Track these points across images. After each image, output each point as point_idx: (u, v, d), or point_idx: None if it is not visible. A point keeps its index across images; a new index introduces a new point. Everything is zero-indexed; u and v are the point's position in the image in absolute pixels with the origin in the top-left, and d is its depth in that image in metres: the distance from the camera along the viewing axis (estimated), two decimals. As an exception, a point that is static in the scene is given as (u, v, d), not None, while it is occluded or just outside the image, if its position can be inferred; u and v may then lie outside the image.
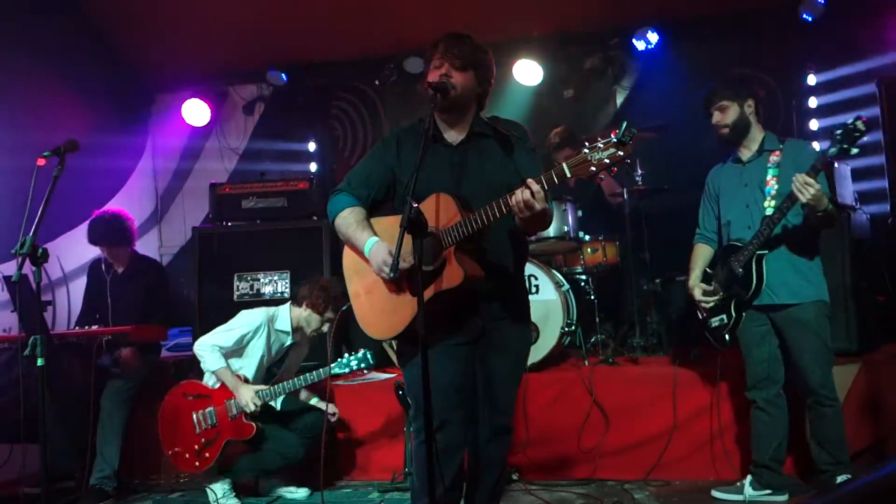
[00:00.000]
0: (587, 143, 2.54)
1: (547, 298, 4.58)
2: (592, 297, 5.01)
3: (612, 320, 5.37)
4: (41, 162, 3.47)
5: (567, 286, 4.84)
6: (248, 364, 4.23)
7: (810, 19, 5.40)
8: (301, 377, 4.12)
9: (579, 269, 5.09)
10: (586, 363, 4.58)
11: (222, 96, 6.82)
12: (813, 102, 5.65)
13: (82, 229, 5.04)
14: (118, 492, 4.48)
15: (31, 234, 3.28)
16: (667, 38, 5.74)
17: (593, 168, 2.53)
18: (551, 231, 4.78)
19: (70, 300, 5.57)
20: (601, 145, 2.51)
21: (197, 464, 4.13)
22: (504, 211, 2.66)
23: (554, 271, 4.85)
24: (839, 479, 3.44)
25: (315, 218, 5.27)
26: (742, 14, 5.71)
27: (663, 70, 5.87)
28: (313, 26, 6.16)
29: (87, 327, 4.66)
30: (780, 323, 3.56)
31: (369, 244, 2.89)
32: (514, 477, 4.17)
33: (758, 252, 3.49)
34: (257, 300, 5.13)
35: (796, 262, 3.52)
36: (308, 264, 5.18)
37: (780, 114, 5.75)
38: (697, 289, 3.72)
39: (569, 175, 2.57)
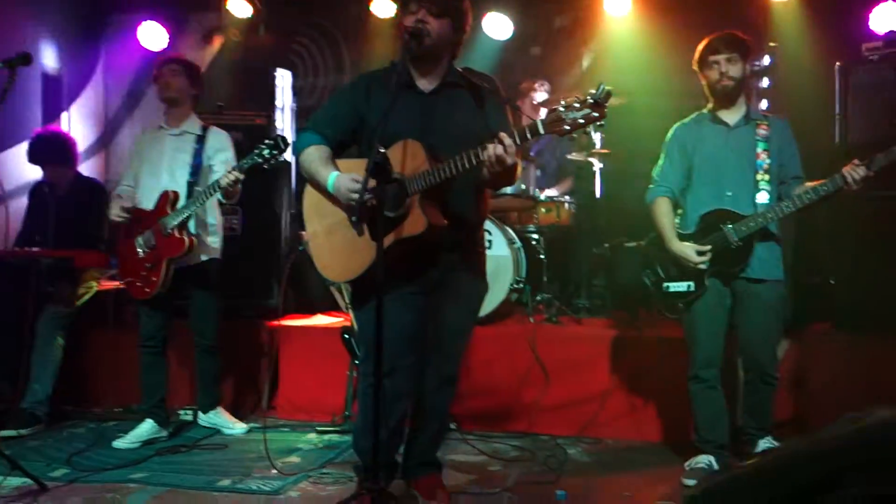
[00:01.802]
0: (563, 102, 2.54)
1: (499, 254, 4.62)
2: (542, 256, 5.08)
3: (559, 280, 5.45)
4: (-10, 73, 3.32)
5: (519, 243, 4.88)
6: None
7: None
8: (213, 183, 3.90)
9: (532, 228, 5.13)
10: (531, 320, 4.65)
11: (181, 22, 6.55)
12: (765, 82, 5.73)
13: (24, 148, 4.85)
14: (50, 417, 4.41)
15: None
16: (638, 5, 5.73)
17: (567, 126, 2.55)
18: (508, 188, 4.79)
19: (9, 220, 5.36)
20: (577, 104, 2.52)
21: (147, 290, 3.99)
22: (474, 163, 2.67)
23: (507, 227, 4.88)
24: (761, 442, 3.55)
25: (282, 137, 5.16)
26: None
27: (631, 38, 5.86)
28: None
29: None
30: (742, 297, 3.49)
31: (332, 177, 2.87)
32: (453, 426, 4.24)
33: (760, 228, 3.39)
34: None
35: (771, 239, 3.50)
36: (262, 202, 5.11)
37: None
38: (690, 248, 3.46)
39: (542, 132, 2.59)
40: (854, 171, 3.20)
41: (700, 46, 3.58)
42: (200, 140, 4.17)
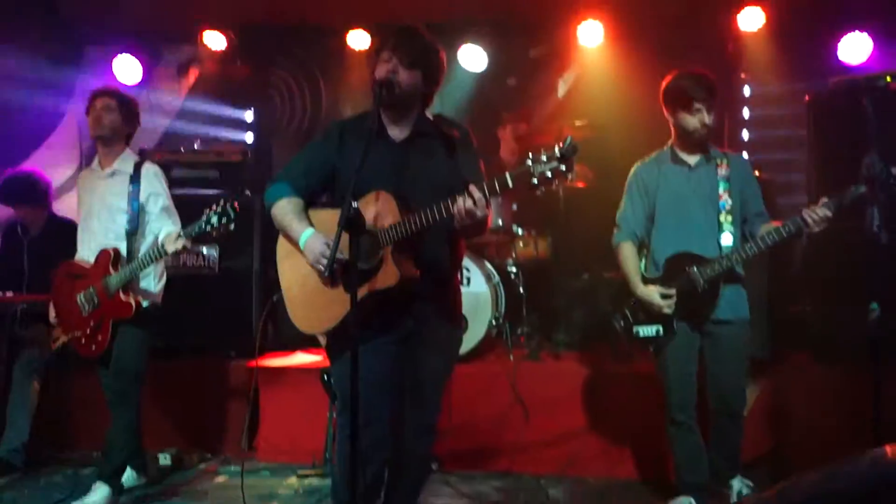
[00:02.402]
0: (531, 155, 2.55)
1: (477, 291, 4.62)
2: (521, 290, 5.08)
3: (539, 313, 5.45)
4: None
5: (497, 278, 4.89)
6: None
7: (747, 29, 5.55)
8: (160, 248, 3.64)
9: (511, 262, 5.14)
10: (511, 358, 4.65)
11: (156, 55, 6.53)
12: (746, 113, 5.81)
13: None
14: (27, 465, 4.34)
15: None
16: (611, 35, 5.79)
17: (535, 179, 2.54)
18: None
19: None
20: (544, 158, 2.52)
21: (93, 347, 3.76)
22: (444, 215, 2.66)
23: (486, 262, 4.89)
24: (733, 482, 3.57)
25: (248, 192, 5.17)
26: (683, 17, 5.80)
27: (606, 67, 5.91)
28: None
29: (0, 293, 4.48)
30: (711, 338, 3.47)
31: (305, 235, 2.87)
32: (434, 467, 4.22)
33: (726, 271, 3.37)
34: (183, 273, 5.00)
35: (737, 280, 3.49)
36: (237, 239, 5.01)
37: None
38: (655, 293, 3.46)
39: (511, 186, 2.59)
40: (813, 213, 3.17)
41: (671, 85, 3.51)
42: (134, 180, 3.87)
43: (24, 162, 5.92)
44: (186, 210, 4.63)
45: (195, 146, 5.34)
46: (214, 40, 6.31)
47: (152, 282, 3.91)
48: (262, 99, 6.55)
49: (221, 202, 3.50)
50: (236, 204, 3.49)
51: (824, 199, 3.18)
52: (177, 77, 6.63)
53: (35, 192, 4.75)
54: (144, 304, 3.81)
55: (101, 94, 3.95)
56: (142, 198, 3.85)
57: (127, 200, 3.84)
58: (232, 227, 3.51)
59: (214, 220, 3.49)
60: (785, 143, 4.88)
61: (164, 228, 3.84)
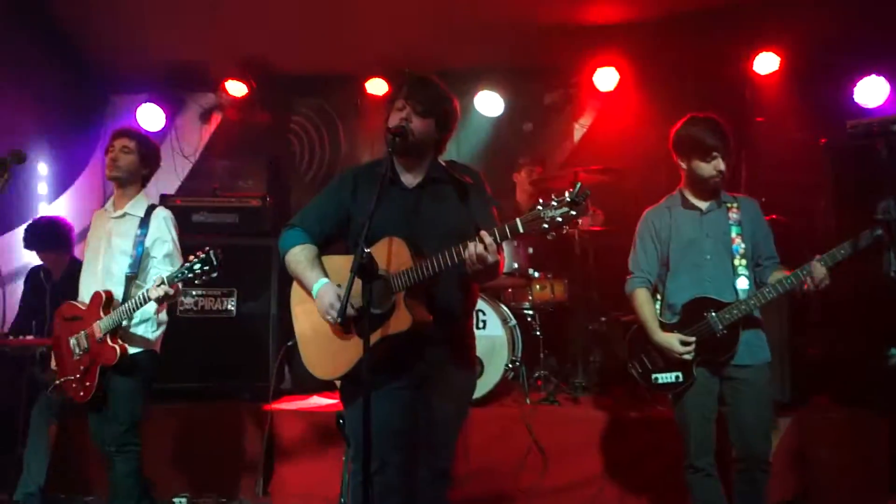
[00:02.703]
0: (541, 201, 2.57)
1: (493, 334, 4.61)
2: (538, 333, 5.06)
3: (556, 356, 5.42)
4: (-15, 170, 3.37)
5: (514, 321, 4.88)
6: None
7: (763, 73, 5.59)
8: (144, 294, 3.52)
9: (527, 305, 5.13)
10: (528, 401, 4.61)
11: (179, 103, 6.70)
12: (763, 157, 5.80)
13: (20, 232, 4.91)
14: (42, 509, 4.35)
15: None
16: (626, 81, 5.85)
17: (546, 225, 2.56)
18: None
19: (5, 305, 5.37)
20: (555, 203, 2.54)
21: (81, 393, 3.63)
22: (456, 260, 2.68)
23: (502, 306, 4.89)
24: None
25: (266, 237, 5.23)
26: (699, 62, 5.84)
27: (621, 112, 5.97)
28: (276, 38, 6.10)
29: (22, 336, 4.54)
30: (731, 383, 3.41)
31: (318, 285, 2.89)
32: (450, 513, 4.17)
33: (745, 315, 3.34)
34: (201, 316, 5.05)
35: (756, 324, 3.44)
36: (256, 284, 5.14)
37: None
38: (675, 340, 3.40)
39: (521, 231, 2.61)
40: (812, 273, 3.19)
41: (683, 132, 3.49)
42: (143, 224, 3.75)
43: (49, 208, 6.03)
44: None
45: (215, 192, 5.41)
46: (236, 88, 6.45)
47: (149, 328, 3.75)
48: (281, 145, 6.64)
49: (206, 250, 3.41)
50: (220, 251, 3.41)
51: (839, 245, 3.18)
52: (199, 124, 6.77)
53: (58, 238, 4.85)
54: (132, 350, 3.64)
55: (121, 135, 3.88)
56: (147, 242, 3.74)
57: (132, 244, 3.73)
58: (214, 274, 3.42)
59: (197, 267, 3.40)
60: (802, 186, 4.85)
61: (161, 275, 3.62)
